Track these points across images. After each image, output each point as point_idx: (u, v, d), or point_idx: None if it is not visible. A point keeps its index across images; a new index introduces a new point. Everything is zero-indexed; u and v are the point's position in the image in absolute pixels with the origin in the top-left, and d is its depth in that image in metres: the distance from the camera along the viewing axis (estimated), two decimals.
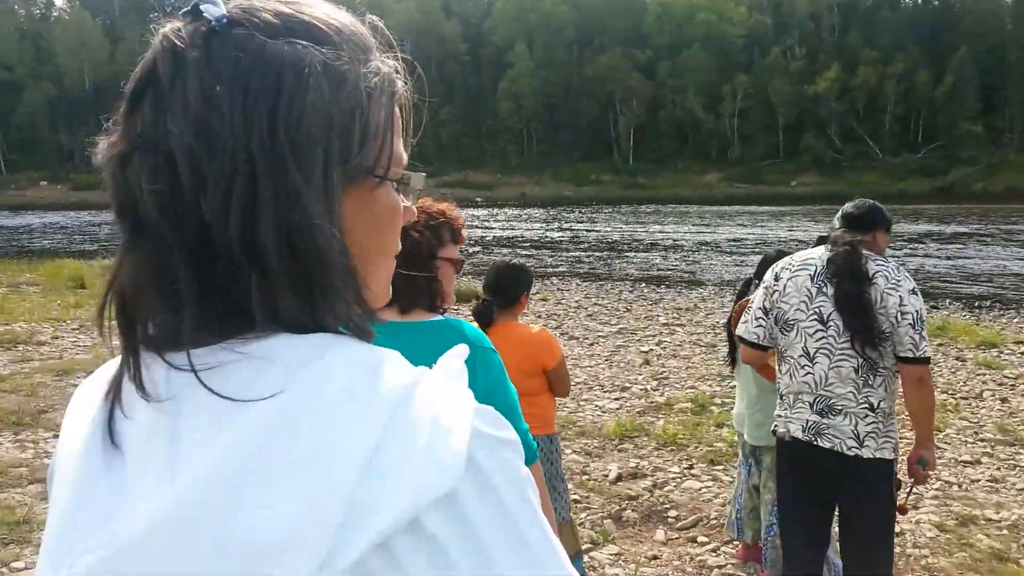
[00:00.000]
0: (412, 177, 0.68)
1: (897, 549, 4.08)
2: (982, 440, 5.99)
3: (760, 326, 2.98)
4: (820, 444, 2.83)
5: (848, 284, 2.72)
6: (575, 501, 4.74)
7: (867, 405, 2.77)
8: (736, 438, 4.33)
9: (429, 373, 0.59)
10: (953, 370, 8.25)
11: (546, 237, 28.86)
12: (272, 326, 0.58)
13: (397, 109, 0.65)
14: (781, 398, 2.99)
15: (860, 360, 2.74)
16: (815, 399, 2.83)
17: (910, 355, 2.71)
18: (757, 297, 3.05)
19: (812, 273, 2.85)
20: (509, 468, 0.57)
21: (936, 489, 5.00)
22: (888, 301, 2.69)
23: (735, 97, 75.31)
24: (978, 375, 8.02)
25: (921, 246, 24.45)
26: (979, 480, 5.21)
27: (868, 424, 2.77)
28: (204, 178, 0.55)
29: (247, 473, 0.51)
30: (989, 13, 73.11)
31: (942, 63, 69.74)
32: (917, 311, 2.70)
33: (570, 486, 4.95)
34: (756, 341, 3.00)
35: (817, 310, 2.82)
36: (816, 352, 2.82)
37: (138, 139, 0.57)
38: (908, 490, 3.05)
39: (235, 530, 0.50)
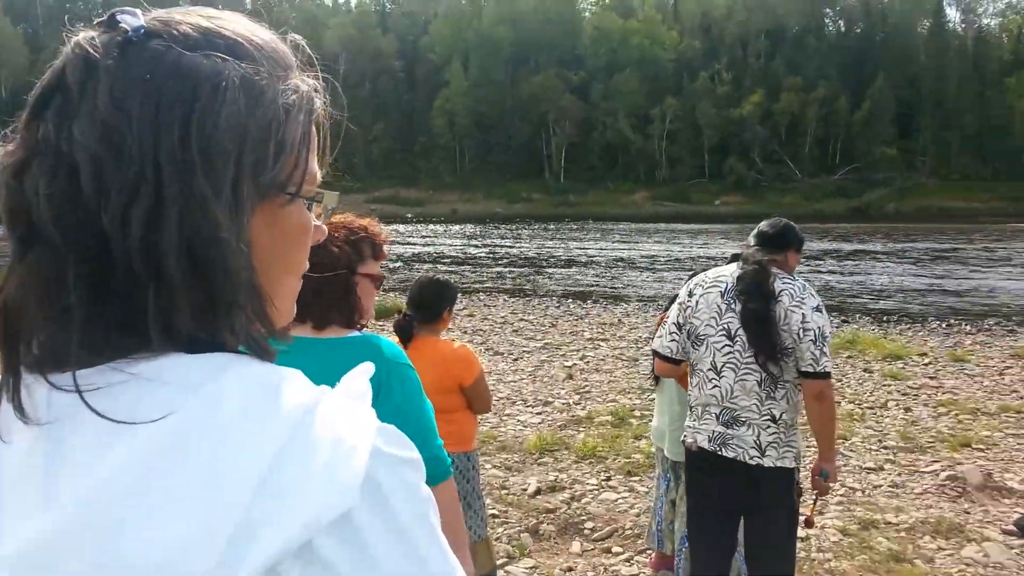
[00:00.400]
0: (325, 195, 0.67)
1: (802, 554, 4.23)
2: (885, 447, 6.26)
3: (674, 340, 3.07)
4: (724, 454, 2.92)
5: (754, 302, 2.84)
6: (493, 516, 4.75)
7: (769, 416, 2.87)
8: (654, 451, 4.41)
9: (330, 392, 0.57)
10: (861, 381, 8.60)
11: (475, 253, 28.93)
12: (166, 345, 0.55)
13: (314, 128, 0.64)
14: (691, 410, 3.09)
15: (763, 374, 2.84)
16: (721, 411, 2.93)
17: (811, 370, 2.82)
18: (672, 312, 3.14)
19: (723, 290, 2.96)
20: (409, 488, 0.56)
21: (841, 495, 5.19)
22: (791, 318, 2.80)
23: (664, 119, 77.10)
24: (884, 386, 8.37)
25: (835, 264, 25.41)
26: (881, 485, 5.43)
27: (770, 435, 2.87)
28: (107, 185, 0.53)
29: (135, 495, 0.49)
30: (906, 45, 76.96)
31: (861, 90, 72.96)
32: (819, 328, 2.81)
33: (489, 501, 4.96)
34: (669, 355, 3.09)
35: (725, 326, 2.92)
36: (723, 366, 2.92)
37: (39, 145, 0.55)
38: (813, 501, 3.17)
39: (120, 552, 0.48)
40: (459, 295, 4.49)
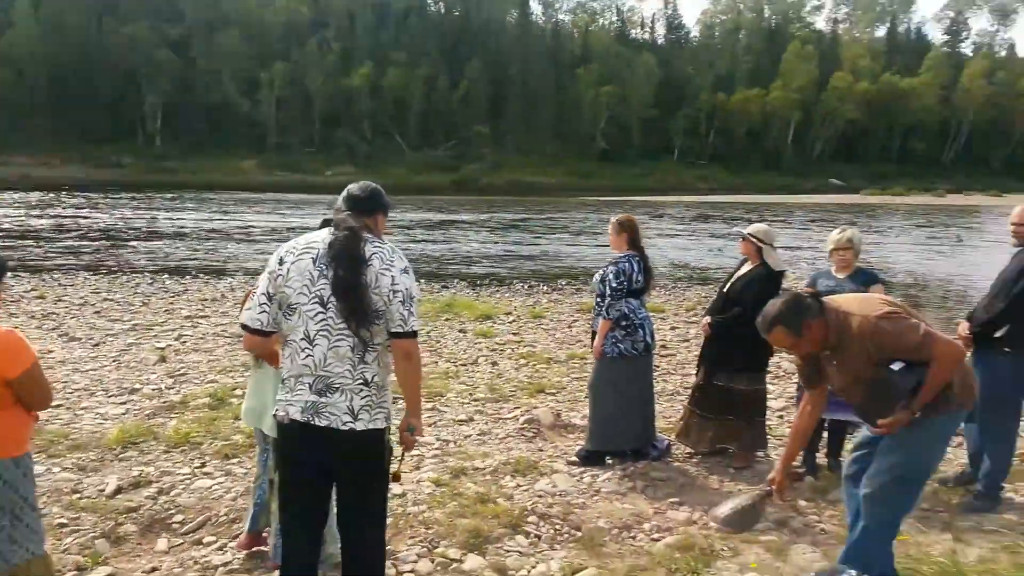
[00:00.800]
0: None
1: (398, 510, 4.38)
2: (476, 400, 6.80)
3: (264, 311, 2.90)
4: (317, 423, 2.85)
5: (345, 269, 2.78)
6: (61, 526, 4.14)
7: (362, 381, 2.86)
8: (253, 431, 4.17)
9: None
10: (456, 341, 9.26)
11: (48, 225, 25.10)
12: None
13: None
14: (283, 382, 2.96)
15: (356, 340, 2.82)
16: (314, 380, 2.85)
17: (400, 330, 2.85)
18: (261, 282, 2.95)
19: (315, 256, 2.86)
20: None
21: (436, 449, 5.50)
22: (382, 281, 2.80)
23: (272, 85, 74.57)
24: (475, 344, 9.12)
25: (438, 233, 27.14)
26: (471, 435, 5.88)
27: (363, 398, 2.87)
28: None
29: None
30: (496, 30, 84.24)
31: (459, 71, 78.28)
32: (407, 289, 2.85)
33: (56, 509, 4.32)
34: (260, 327, 2.91)
35: (318, 293, 2.83)
36: (316, 334, 2.83)
37: None
38: (400, 457, 3.23)
39: None
40: (11, 272, 3.74)
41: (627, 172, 74.17)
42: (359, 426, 2.87)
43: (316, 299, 2.83)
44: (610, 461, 5.27)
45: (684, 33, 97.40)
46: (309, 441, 2.89)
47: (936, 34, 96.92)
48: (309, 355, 2.85)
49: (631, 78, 78.37)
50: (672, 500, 4.65)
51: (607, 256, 5.46)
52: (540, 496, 4.68)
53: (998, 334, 4.52)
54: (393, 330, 2.85)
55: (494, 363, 8.20)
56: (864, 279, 5.00)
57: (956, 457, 5.30)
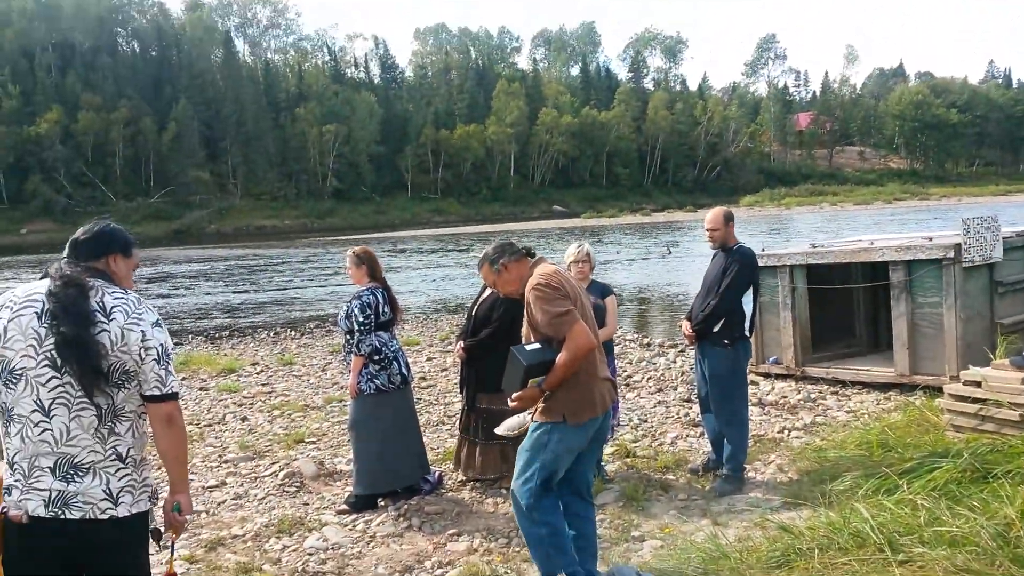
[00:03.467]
0: None
1: None
2: (226, 461, 6.23)
3: None
4: (69, 516, 2.34)
5: (69, 325, 2.32)
6: None
7: (115, 456, 2.41)
8: None
9: None
10: (198, 400, 8.48)
11: None
12: None
13: None
14: (11, 468, 2.39)
15: (103, 407, 2.37)
16: (57, 460, 2.35)
17: (157, 392, 2.44)
18: None
19: (39, 311, 2.36)
20: None
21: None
22: (129, 338, 2.38)
23: None
24: (221, 400, 8.42)
25: (163, 288, 24.98)
26: (225, 501, 5.35)
27: (121, 479, 2.42)
28: None
29: None
30: (203, 70, 79.75)
31: (165, 112, 72.94)
32: (162, 345, 2.45)
33: None
34: None
35: (48, 355, 2.34)
36: (53, 403, 2.34)
37: None
38: (171, 546, 2.77)
39: None
40: None
41: (362, 209, 73.89)
42: (121, 512, 2.41)
43: (47, 362, 2.35)
44: (382, 503, 5.07)
45: (399, 72, 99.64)
46: (55, 540, 2.37)
47: (622, 72, 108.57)
48: (46, 429, 2.35)
49: (353, 116, 78.42)
50: (451, 532, 4.56)
51: (351, 293, 5.29)
52: (311, 554, 4.36)
53: (716, 328, 5.03)
54: (149, 393, 2.44)
55: (244, 418, 7.61)
56: (598, 291, 5.32)
57: (701, 447, 5.80)
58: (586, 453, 3.51)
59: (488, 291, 5.39)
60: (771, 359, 8.04)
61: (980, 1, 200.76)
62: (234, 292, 22.74)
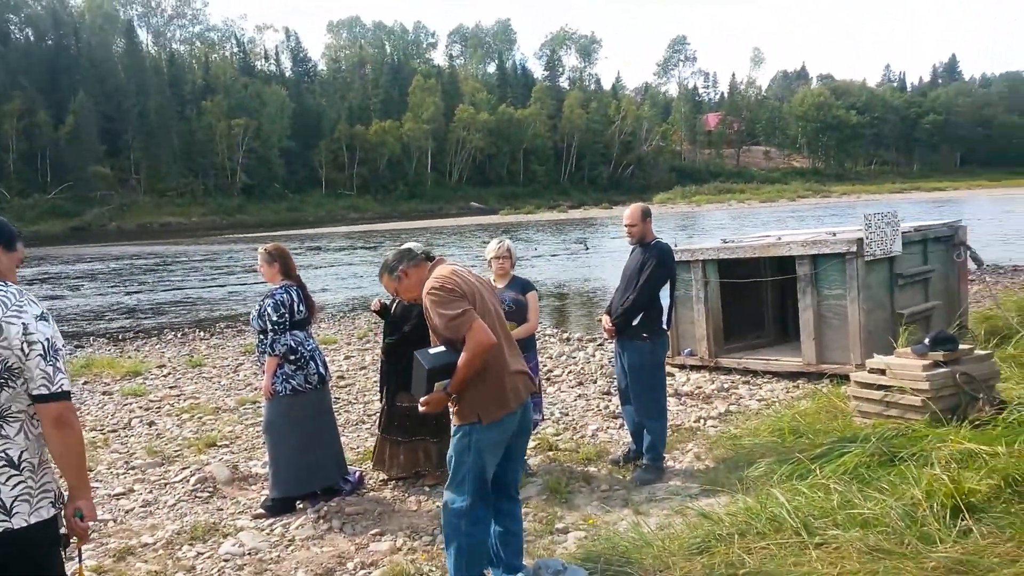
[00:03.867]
0: None
1: None
2: (133, 468, 5.95)
3: None
4: None
5: None
6: None
7: (7, 462, 2.26)
8: None
9: None
10: (101, 405, 8.08)
11: None
12: None
13: None
14: None
15: None
16: None
17: (45, 391, 2.29)
18: None
19: None
20: None
21: (92, 531, 4.67)
22: (10, 331, 2.24)
23: None
24: (125, 405, 8.04)
25: (61, 288, 23.72)
26: (133, 508, 5.12)
27: (16, 486, 2.26)
28: None
29: None
30: (103, 60, 75.99)
31: (62, 105, 69.28)
32: (48, 339, 2.30)
33: None
34: None
35: None
36: None
37: None
38: (79, 554, 2.60)
39: None
40: None
41: (275, 206, 71.93)
42: (16, 523, 2.25)
43: None
44: (301, 505, 4.94)
45: (312, 66, 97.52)
46: None
47: (538, 70, 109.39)
48: None
49: (263, 110, 76.30)
50: (373, 532, 4.47)
51: (264, 291, 5.12)
52: (227, 560, 4.21)
53: (635, 322, 5.10)
54: (36, 392, 2.29)
55: (151, 423, 7.28)
56: (520, 287, 5.31)
57: (621, 438, 5.87)
58: (512, 449, 3.47)
59: None
60: (686, 351, 8.22)
61: (878, 7, 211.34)
62: (137, 291, 21.79)
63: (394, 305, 5.25)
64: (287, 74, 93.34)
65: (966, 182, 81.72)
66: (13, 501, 2.26)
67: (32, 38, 79.22)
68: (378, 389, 5.55)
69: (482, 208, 75.16)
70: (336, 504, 4.88)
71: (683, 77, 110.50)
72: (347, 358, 10.10)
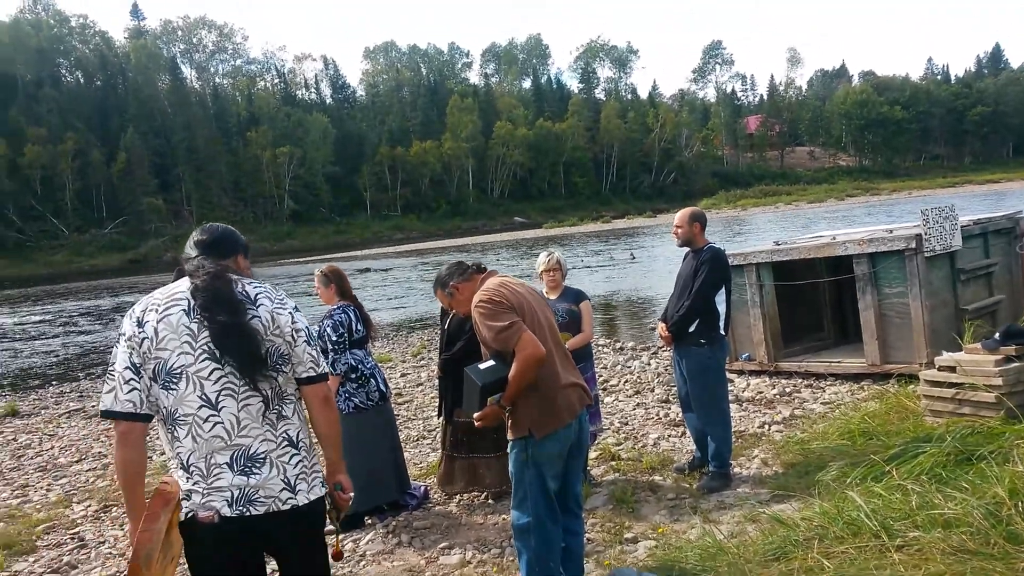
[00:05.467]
0: None
1: None
2: None
3: (134, 390, 2.28)
4: (253, 513, 2.32)
5: (222, 314, 2.33)
6: None
7: (287, 442, 2.41)
8: None
9: None
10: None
11: None
12: None
13: None
14: (186, 471, 2.33)
15: (267, 393, 2.37)
16: (232, 454, 2.33)
17: (313, 373, 2.47)
18: (118, 356, 2.32)
19: (186, 308, 2.35)
20: None
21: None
22: (280, 320, 2.42)
23: None
24: None
25: (116, 318, 24.35)
26: None
27: (295, 466, 2.41)
28: None
29: None
30: (150, 98, 78.45)
31: (113, 142, 71.60)
32: (307, 328, 2.50)
33: None
34: (134, 410, 2.28)
35: (207, 347, 2.33)
36: (219, 395, 2.33)
37: None
38: (336, 527, 2.76)
39: None
40: None
41: (322, 230, 73.24)
42: (300, 500, 2.39)
43: (206, 355, 2.33)
44: (369, 521, 5.00)
45: (350, 92, 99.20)
46: (242, 537, 2.34)
47: (573, 83, 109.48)
48: (217, 423, 2.32)
49: (306, 138, 77.86)
50: (442, 546, 4.50)
51: (322, 313, 5.21)
52: None
53: (691, 329, 5.05)
54: (305, 375, 2.47)
55: None
56: (573, 297, 5.31)
57: (683, 446, 5.82)
58: (570, 463, 3.43)
59: None
60: (744, 356, 8.12)
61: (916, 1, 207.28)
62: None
63: (450, 319, 5.28)
64: (327, 101, 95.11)
65: (1021, 173, 79.23)
66: (295, 480, 2.40)
67: (82, 80, 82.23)
68: (436, 405, 5.59)
69: (525, 222, 75.33)
70: (404, 519, 4.93)
71: (721, 81, 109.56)
72: (403, 375, 10.20)
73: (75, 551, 4.98)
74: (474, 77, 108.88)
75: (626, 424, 6.73)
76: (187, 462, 2.34)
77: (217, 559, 2.37)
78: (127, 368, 2.31)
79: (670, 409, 6.97)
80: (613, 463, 5.61)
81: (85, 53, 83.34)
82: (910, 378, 6.37)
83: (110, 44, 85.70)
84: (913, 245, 6.82)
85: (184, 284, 2.43)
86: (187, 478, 2.34)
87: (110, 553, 4.91)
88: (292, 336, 2.43)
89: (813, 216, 47.78)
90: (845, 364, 7.48)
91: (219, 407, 2.34)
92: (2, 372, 15.15)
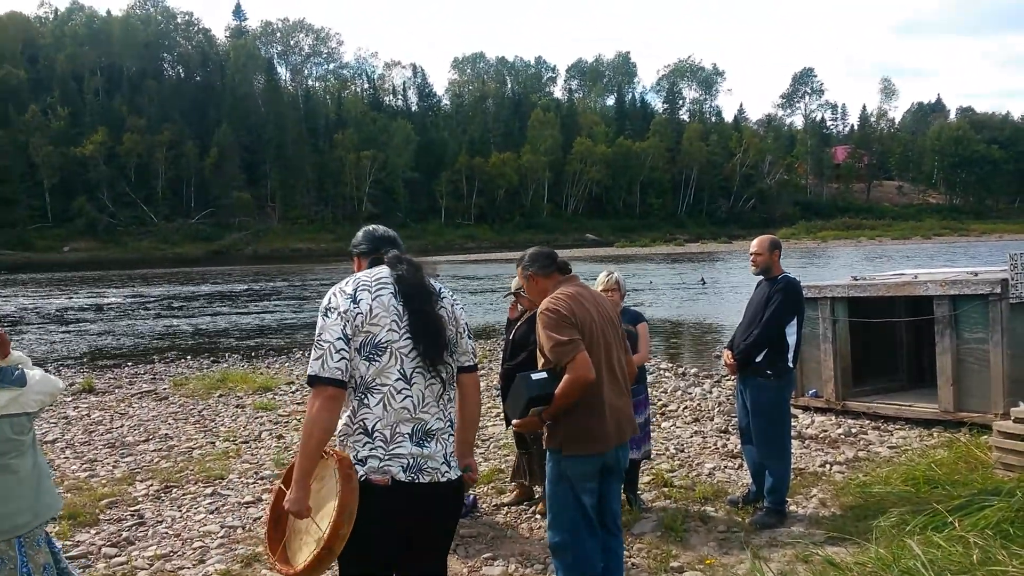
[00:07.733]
0: None
1: None
2: (262, 478, 6.25)
3: (343, 359, 2.49)
4: (420, 481, 2.53)
5: (424, 303, 2.62)
6: None
7: (449, 423, 2.67)
8: None
9: None
10: (234, 417, 8.55)
11: None
12: None
13: None
14: (368, 434, 2.52)
15: (444, 376, 2.64)
16: (414, 426, 2.55)
17: (471, 363, 2.77)
18: (331, 327, 2.52)
19: (393, 292, 2.62)
20: None
21: (221, 537, 4.94)
22: (456, 313, 2.73)
23: None
24: (256, 418, 8.48)
25: (199, 305, 25.33)
26: (260, 517, 5.35)
27: (449, 444, 2.65)
28: None
29: None
30: (245, 96, 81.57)
31: (207, 136, 74.63)
32: (466, 321, 2.80)
33: None
34: (340, 377, 2.49)
35: (408, 329, 2.59)
36: (414, 372, 2.57)
37: None
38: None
39: None
40: None
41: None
42: (454, 475, 2.64)
43: (408, 335, 2.57)
44: None
45: (436, 101, 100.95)
46: (408, 502, 2.53)
47: (657, 103, 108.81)
48: (408, 397, 2.56)
49: (390, 143, 79.56)
50: (486, 556, 4.51)
51: None
52: None
53: (758, 359, 4.94)
54: (468, 363, 2.77)
55: (280, 436, 7.65)
56: (630, 318, 5.26)
57: (740, 478, 5.70)
58: (604, 482, 3.39)
59: (526, 314, 5.39)
60: (811, 391, 7.91)
61: (1020, 37, 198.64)
62: (267, 312, 22.99)
63: (515, 328, 5.30)
64: (413, 108, 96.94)
65: None
66: (450, 455, 2.64)
67: (182, 75, 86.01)
68: (495, 415, 5.63)
69: (597, 240, 75.05)
70: None
71: (810, 109, 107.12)
72: None
73: (134, 528, 5.18)
74: (558, 92, 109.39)
75: (682, 451, 6.63)
76: (372, 427, 2.53)
77: (385, 521, 2.52)
78: (340, 339, 2.50)
79: (729, 439, 6.84)
80: (665, 489, 5.54)
81: (188, 49, 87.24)
82: (984, 428, 6.10)
83: (212, 42, 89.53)
84: (998, 290, 6.54)
85: (385, 271, 2.69)
86: (367, 443, 2.53)
87: (166, 533, 5.09)
88: (463, 328, 2.74)
89: (895, 254, 46.16)
90: (916, 408, 7.21)
91: (412, 383, 2.57)
92: (85, 350, 15.91)
